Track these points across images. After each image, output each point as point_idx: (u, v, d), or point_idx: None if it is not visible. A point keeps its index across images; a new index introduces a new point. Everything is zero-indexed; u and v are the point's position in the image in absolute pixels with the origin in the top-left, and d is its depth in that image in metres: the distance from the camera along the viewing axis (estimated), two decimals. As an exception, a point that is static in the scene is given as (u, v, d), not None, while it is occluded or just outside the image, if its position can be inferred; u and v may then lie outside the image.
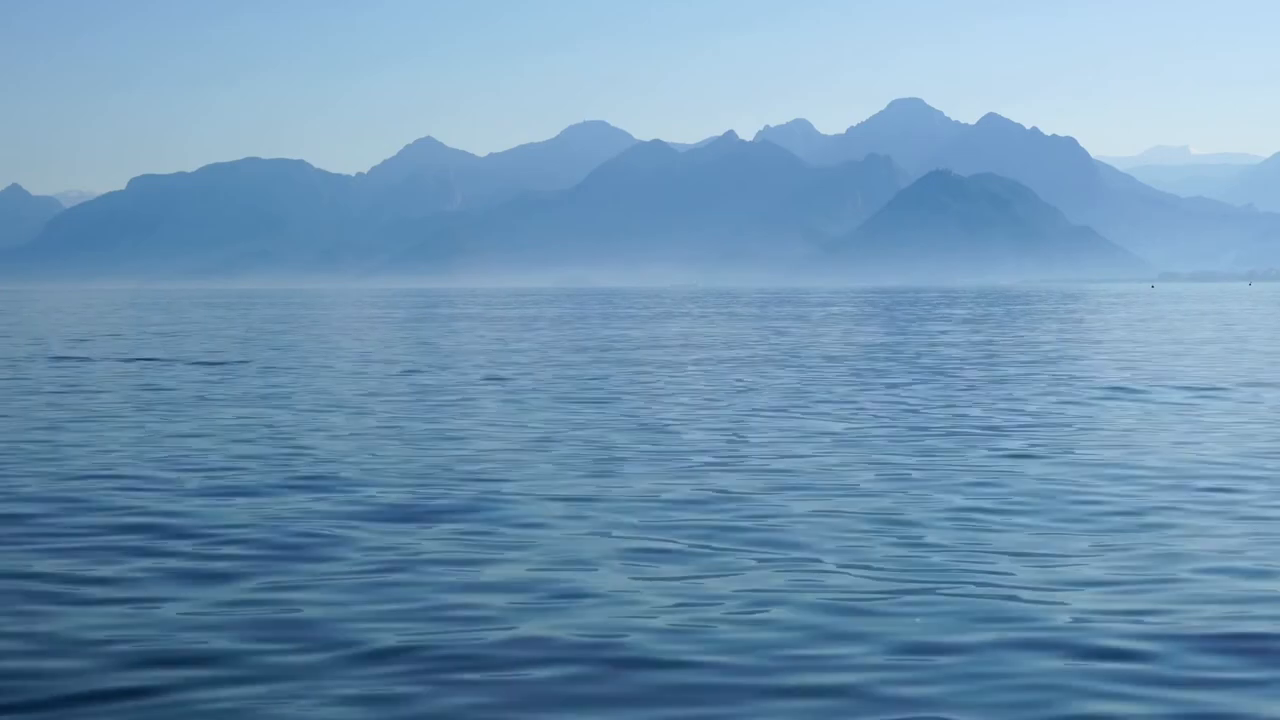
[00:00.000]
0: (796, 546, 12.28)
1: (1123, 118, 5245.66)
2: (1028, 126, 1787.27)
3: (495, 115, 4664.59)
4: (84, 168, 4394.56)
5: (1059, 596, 10.26)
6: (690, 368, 38.88)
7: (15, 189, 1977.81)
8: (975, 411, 24.80)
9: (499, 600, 10.23)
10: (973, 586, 10.66)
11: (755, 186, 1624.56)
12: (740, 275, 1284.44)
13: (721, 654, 8.88)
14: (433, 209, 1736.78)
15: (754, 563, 11.62)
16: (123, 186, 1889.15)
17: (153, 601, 10.37)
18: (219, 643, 9.21)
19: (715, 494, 15.17)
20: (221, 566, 11.54)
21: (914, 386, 31.16)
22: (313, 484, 16.11)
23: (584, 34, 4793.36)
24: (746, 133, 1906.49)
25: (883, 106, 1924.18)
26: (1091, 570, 11.15)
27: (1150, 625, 9.50)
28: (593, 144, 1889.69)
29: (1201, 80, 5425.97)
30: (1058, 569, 11.21)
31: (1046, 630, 9.34)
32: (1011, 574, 11.05)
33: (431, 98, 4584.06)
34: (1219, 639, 9.14)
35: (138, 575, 11.25)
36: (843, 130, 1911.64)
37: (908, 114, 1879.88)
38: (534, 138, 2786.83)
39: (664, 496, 15.18)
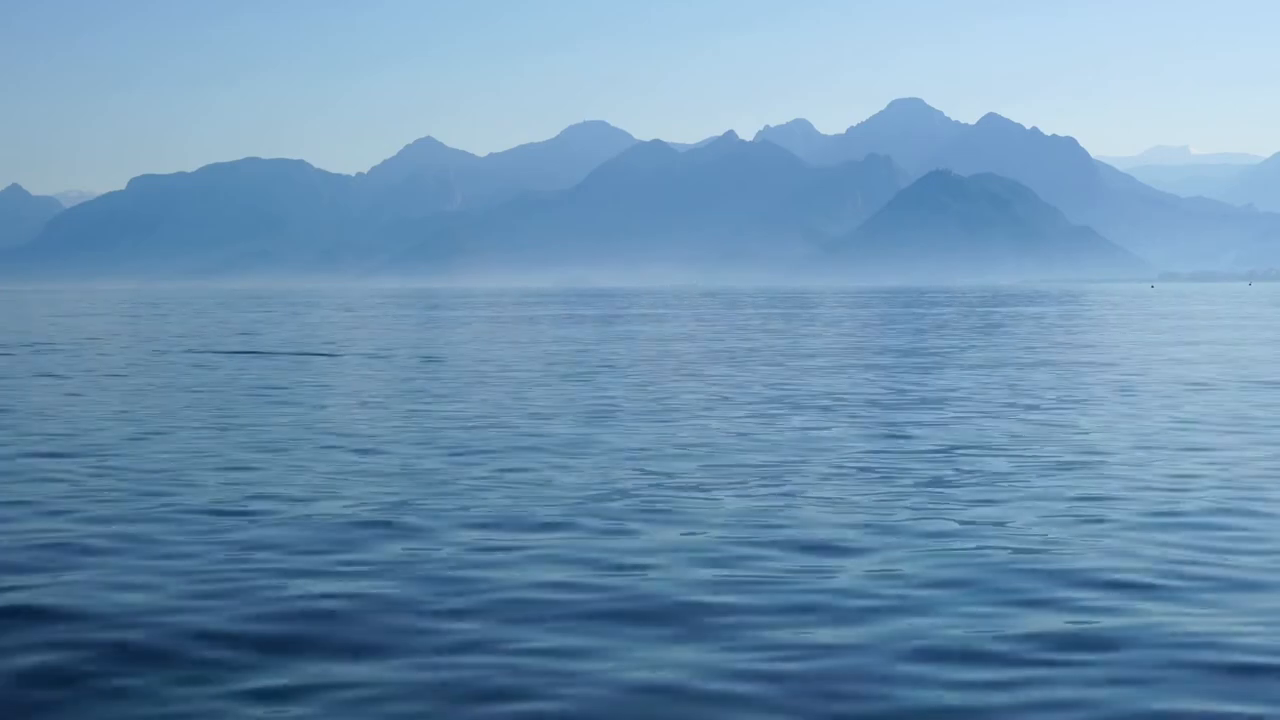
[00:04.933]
0: None
1: (1123, 118, 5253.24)
2: (1028, 126, 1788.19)
3: (495, 115, 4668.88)
4: (84, 168, 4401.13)
5: None
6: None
7: (15, 189, 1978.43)
8: None
9: None
10: None
11: (755, 186, 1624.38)
12: (740, 275, 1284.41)
13: None
14: (433, 209, 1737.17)
15: None
16: (123, 186, 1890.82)
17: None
18: None
19: None
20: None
21: None
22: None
23: (584, 34, 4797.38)
24: (746, 133, 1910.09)
25: (883, 106, 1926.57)
26: None
27: None
28: (593, 144, 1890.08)
29: (1201, 80, 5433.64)
30: None
31: None
32: None
33: (431, 98, 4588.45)
34: None
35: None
36: (843, 130, 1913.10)
37: (908, 114, 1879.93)
38: (534, 138, 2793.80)
39: None
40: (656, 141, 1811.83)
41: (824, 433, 21.47)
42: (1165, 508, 14.17)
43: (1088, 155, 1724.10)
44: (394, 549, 12.20)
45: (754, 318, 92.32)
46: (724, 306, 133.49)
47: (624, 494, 15.22)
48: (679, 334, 66.10)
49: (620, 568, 11.50)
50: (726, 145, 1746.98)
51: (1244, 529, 13.14)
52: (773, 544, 12.36)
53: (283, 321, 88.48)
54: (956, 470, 17.02)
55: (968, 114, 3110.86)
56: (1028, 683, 8.37)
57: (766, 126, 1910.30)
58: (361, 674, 8.58)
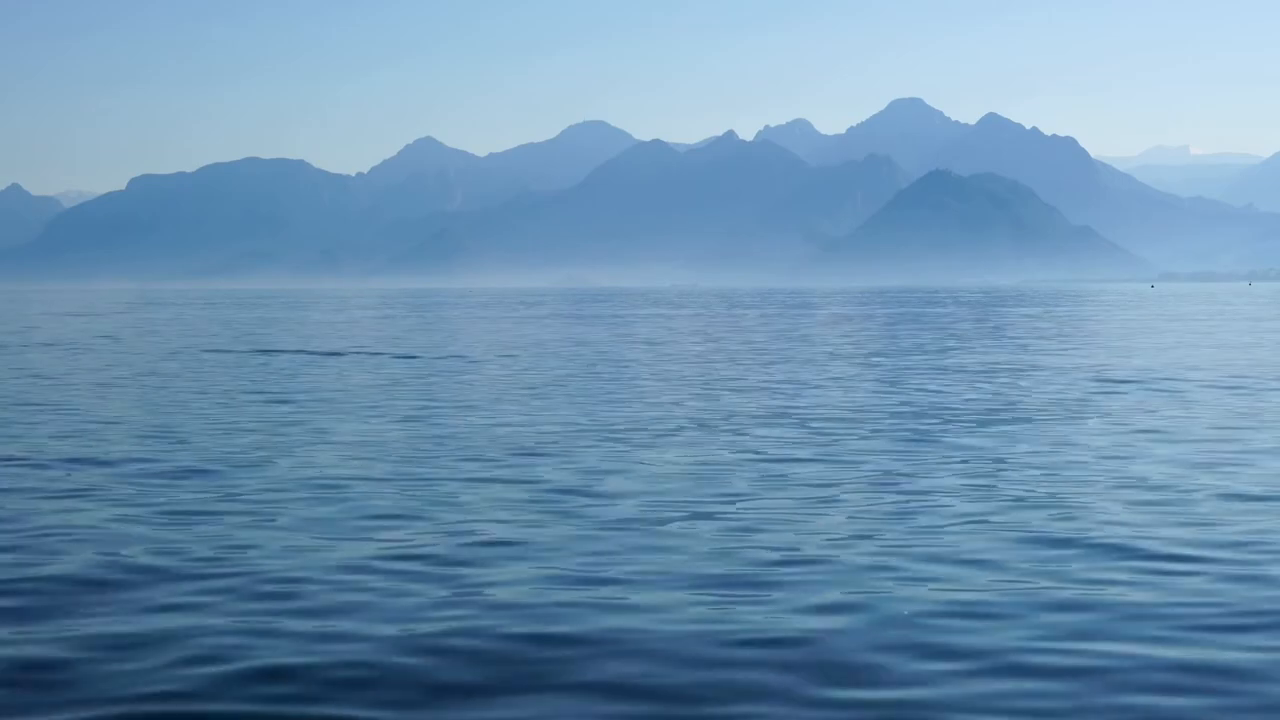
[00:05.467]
0: None
1: (1123, 118, 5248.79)
2: (1028, 126, 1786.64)
3: (495, 115, 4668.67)
4: (84, 168, 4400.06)
5: None
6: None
7: (15, 189, 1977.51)
8: None
9: None
10: None
11: (755, 186, 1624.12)
12: (740, 275, 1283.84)
13: None
14: (433, 209, 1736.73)
15: None
16: (123, 186, 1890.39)
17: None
18: None
19: None
20: None
21: None
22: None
23: (584, 34, 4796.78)
24: (746, 133, 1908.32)
25: (883, 106, 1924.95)
26: None
27: None
28: (593, 144, 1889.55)
29: (1201, 80, 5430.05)
30: None
31: None
32: None
33: (431, 98, 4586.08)
34: None
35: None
36: (843, 130, 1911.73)
37: (908, 114, 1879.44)
38: (534, 138, 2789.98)
39: None
40: (656, 141, 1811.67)
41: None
42: None
43: (1088, 155, 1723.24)
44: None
45: (838, 319, 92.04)
46: (776, 307, 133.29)
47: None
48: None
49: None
50: (726, 145, 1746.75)
51: None
52: None
53: (366, 323, 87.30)
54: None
55: (968, 114, 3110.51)
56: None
57: (766, 126, 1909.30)
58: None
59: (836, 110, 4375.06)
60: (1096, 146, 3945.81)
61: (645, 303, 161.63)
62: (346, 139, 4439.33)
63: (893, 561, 11.98)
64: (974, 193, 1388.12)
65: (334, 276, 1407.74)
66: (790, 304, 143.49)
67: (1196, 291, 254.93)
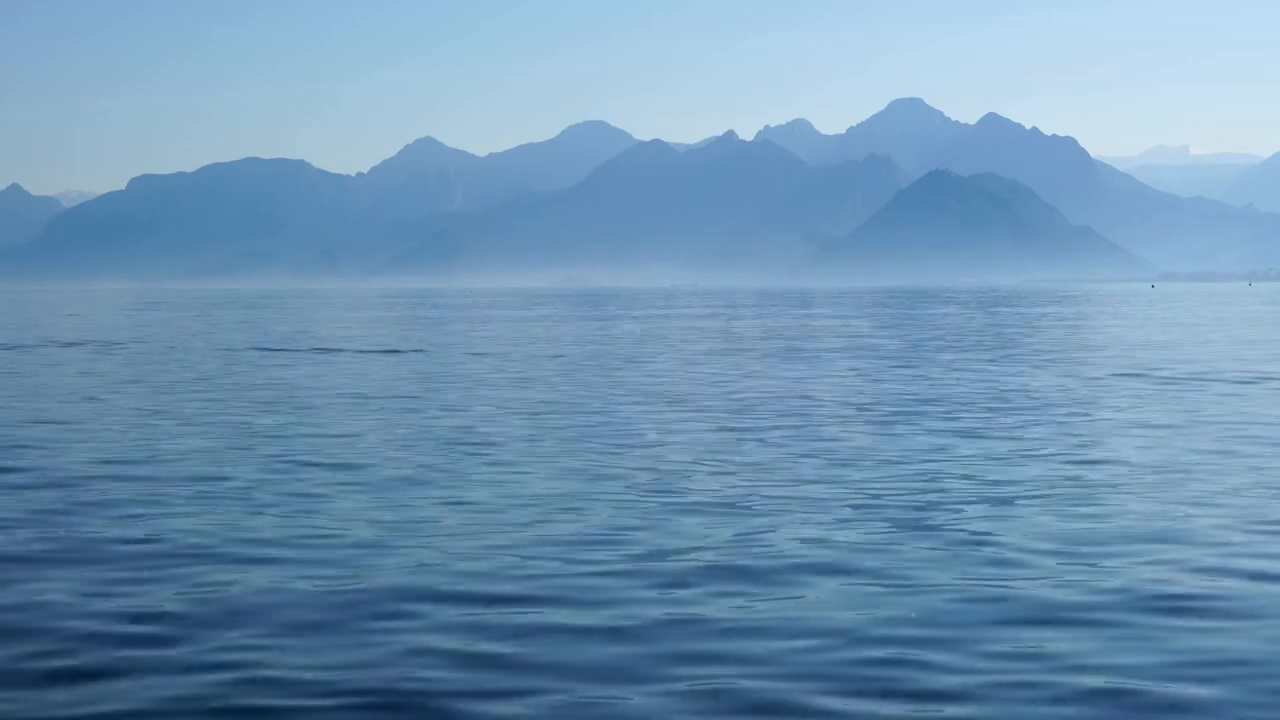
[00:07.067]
0: None
1: (1123, 118, 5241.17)
2: (1028, 126, 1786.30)
3: (495, 115, 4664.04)
4: (84, 168, 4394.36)
5: None
6: None
7: (15, 189, 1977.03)
8: None
9: None
10: None
11: (755, 186, 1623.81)
12: (740, 275, 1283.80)
13: None
14: (433, 209, 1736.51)
15: None
16: (123, 186, 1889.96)
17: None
18: None
19: None
20: None
21: None
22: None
23: (584, 34, 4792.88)
24: (746, 133, 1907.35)
25: (883, 106, 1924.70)
26: None
27: None
28: (593, 144, 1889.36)
29: (1201, 80, 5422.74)
30: None
31: None
32: None
33: (431, 98, 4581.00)
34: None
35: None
36: (843, 130, 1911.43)
37: (908, 114, 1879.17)
38: (534, 138, 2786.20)
39: None
40: (656, 141, 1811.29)
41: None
42: None
43: (1088, 155, 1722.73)
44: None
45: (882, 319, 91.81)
46: (795, 306, 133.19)
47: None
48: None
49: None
50: (726, 145, 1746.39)
51: None
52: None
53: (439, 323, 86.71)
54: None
55: (968, 114, 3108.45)
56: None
57: (766, 126, 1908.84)
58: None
59: (836, 110, 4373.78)
60: (1096, 146, 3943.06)
61: (677, 301, 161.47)
62: (346, 139, 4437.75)
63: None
64: (974, 193, 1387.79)
65: (334, 276, 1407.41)
66: (906, 305, 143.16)
67: (1200, 291, 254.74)
